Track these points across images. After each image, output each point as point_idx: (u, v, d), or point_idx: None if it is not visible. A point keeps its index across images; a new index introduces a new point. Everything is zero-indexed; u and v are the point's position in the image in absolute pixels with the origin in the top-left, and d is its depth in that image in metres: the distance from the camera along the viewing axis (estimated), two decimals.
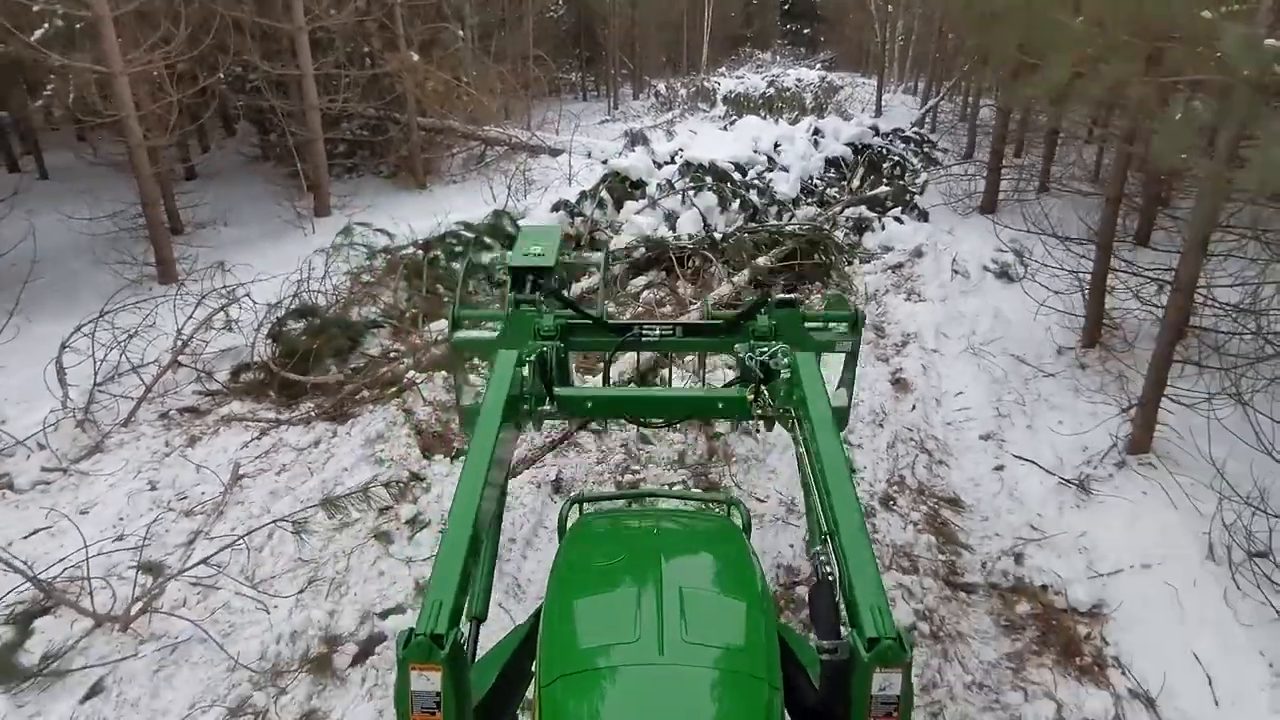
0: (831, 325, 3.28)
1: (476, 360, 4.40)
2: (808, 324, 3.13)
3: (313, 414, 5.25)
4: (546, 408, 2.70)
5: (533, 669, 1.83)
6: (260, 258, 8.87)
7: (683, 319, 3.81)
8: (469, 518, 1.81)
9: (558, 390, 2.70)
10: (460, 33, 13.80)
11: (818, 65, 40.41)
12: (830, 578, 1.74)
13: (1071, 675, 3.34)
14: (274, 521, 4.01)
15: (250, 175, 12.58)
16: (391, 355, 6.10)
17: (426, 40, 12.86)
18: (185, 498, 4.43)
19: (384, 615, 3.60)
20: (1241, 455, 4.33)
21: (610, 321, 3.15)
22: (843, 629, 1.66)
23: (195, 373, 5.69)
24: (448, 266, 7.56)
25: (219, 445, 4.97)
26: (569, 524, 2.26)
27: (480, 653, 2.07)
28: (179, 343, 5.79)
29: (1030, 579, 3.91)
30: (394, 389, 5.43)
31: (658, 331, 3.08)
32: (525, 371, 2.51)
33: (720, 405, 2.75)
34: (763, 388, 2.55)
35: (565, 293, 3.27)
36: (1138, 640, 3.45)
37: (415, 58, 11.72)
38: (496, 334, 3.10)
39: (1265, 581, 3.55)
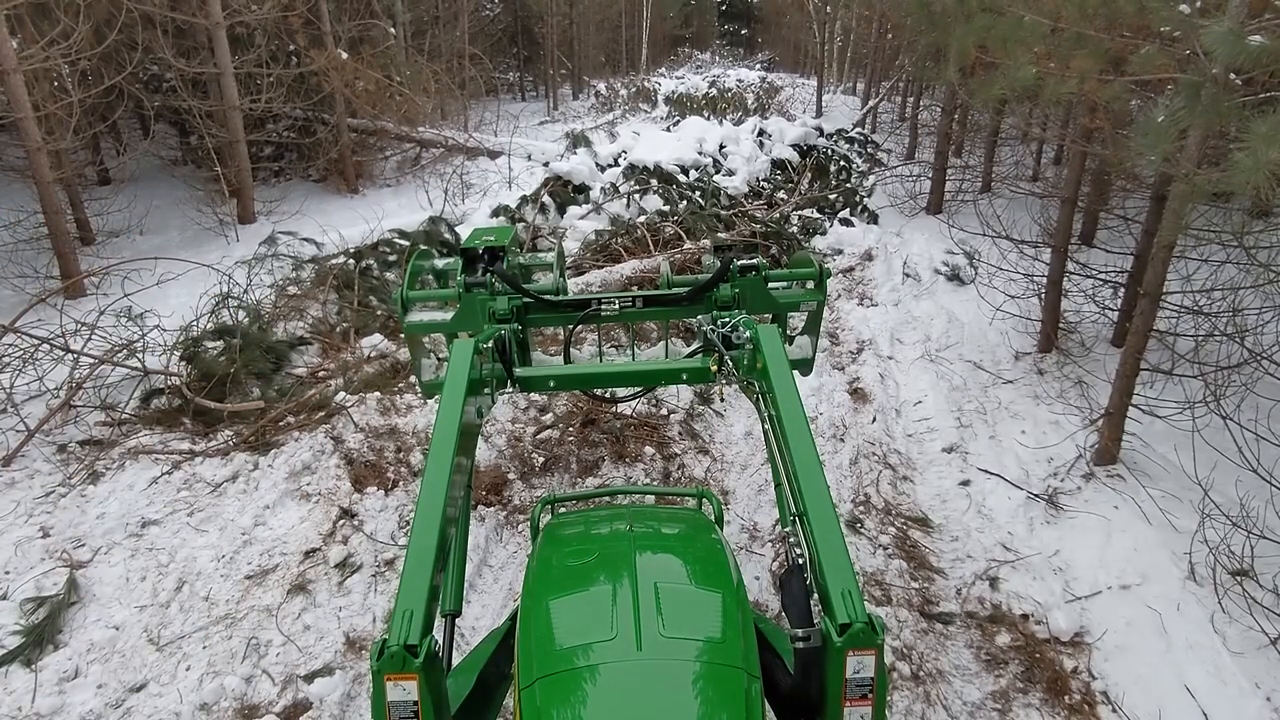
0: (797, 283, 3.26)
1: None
2: (773, 283, 3.11)
3: (231, 444, 4.79)
4: (508, 390, 2.66)
5: (511, 672, 1.83)
6: (179, 267, 8.30)
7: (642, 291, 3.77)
8: (436, 517, 1.74)
9: (518, 371, 2.66)
10: (391, 30, 13.23)
11: (757, 66, 40.66)
12: (801, 560, 1.71)
13: (1061, 715, 3.13)
14: None
15: (170, 180, 11.79)
16: (320, 375, 5.66)
17: (355, 37, 12.29)
18: (82, 545, 3.94)
19: (309, 678, 3.20)
20: (1210, 463, 4.20)
21: (567, 298, 3.07)
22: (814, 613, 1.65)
23: (97, 400, 5.14)
24: (381, 277, 7.13)
25: (125, 482, 4.47)
26: (541, 525, 2.26)
27: (459, 644, 1.94)
28: (73, 383, 5.19)
29: (1008, 606, 3.71)
30: (322, 413, 5.00)
31: (617, 304, 3.01)
32: (484, 358, 2.40)
33: (684, 375, 2.70)
34: (726, 357, 2.49)
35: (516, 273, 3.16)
36: (1126, 672, 3.26)
37: (344, 55, 11.16)
38: (450, 317, 3.02)
39: (1252, 603, 3.40)
